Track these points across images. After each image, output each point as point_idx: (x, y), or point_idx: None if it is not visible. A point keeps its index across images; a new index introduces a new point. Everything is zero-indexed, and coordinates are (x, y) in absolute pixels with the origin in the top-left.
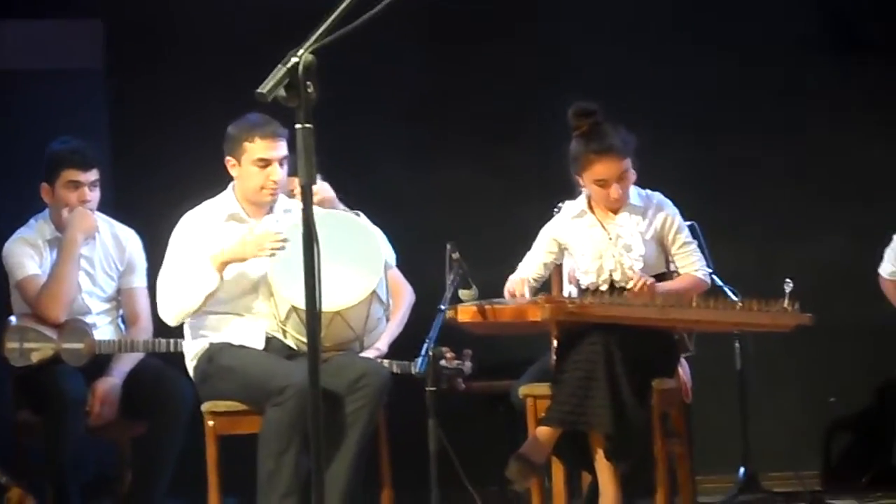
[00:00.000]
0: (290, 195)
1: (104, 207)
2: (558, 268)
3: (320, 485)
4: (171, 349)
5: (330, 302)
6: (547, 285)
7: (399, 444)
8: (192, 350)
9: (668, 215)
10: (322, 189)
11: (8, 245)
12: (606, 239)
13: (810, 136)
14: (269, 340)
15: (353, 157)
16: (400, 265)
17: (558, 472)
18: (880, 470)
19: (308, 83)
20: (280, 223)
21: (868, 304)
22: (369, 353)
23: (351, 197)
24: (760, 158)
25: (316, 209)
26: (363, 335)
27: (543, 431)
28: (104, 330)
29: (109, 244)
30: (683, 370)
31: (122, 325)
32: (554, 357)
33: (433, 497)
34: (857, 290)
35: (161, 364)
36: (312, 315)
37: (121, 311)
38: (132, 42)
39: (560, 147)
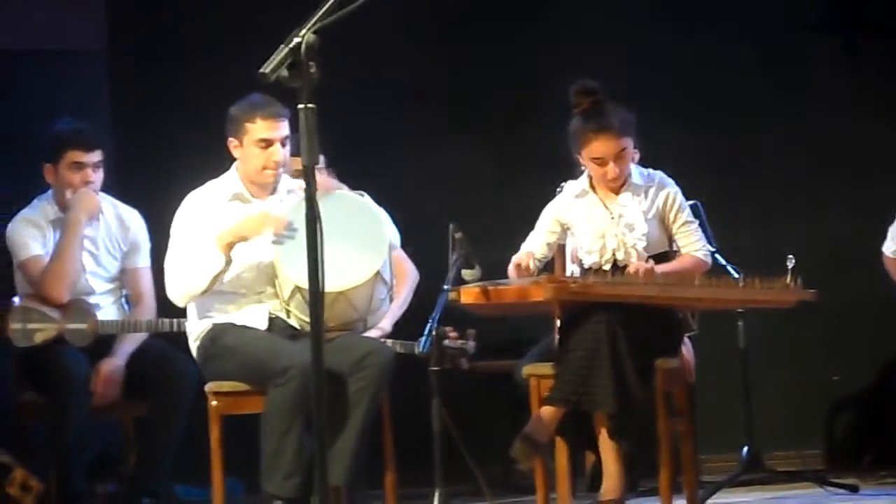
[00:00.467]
0: (293, 175)
1: (107, 188)
2: (561, 248)
3: (324, 464)
4: (175, 329)
5: (334, 282)
6: (550, 265)
7: (402, 423)
8: (195, 330)
9: (669, 193)
10: (322, 182)
11: (11, 225)
12: (609, 218)
13: (813, 114)
14: (273, 321)
15: (354, 138)
16: (403, 245)
17: (562, 451)
18: (884, 448)
19: (310, 63)
20: (284, 203)
21: (872, 283)
22: (373, 334)
23: (353, 179)
24: (762, 137)
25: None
26: (367, 315)
27: (547, 411)
28: (108, 310)
29: (113, 225)
30: (687, 349)
31: (125, 306)
32: (557, 337)
33: (437, 476)
34: (861, 268)
35: (164, 344)
36: (316, 295)
37: (124, 292)
38: (134, 23)
39: (562, 127)
